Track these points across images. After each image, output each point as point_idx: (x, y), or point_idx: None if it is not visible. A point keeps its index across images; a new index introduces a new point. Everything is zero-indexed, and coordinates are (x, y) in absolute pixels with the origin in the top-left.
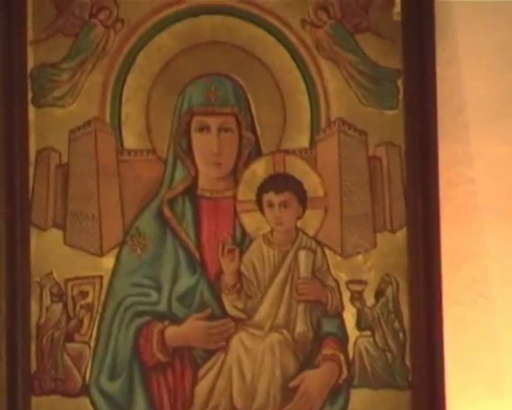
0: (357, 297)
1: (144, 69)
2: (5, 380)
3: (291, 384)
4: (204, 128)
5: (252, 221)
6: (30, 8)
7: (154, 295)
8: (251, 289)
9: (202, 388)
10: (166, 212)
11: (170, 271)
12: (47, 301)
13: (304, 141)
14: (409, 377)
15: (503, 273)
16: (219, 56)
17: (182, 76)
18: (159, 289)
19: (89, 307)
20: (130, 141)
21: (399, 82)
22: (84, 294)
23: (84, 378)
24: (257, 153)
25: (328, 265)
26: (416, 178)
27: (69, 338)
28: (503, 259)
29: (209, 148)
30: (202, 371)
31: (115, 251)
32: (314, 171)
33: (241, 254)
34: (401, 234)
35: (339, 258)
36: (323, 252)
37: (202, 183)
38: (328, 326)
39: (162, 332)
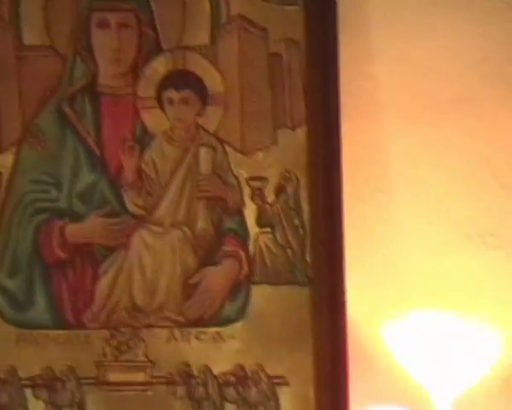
0: (257, 194)
1: None
2: None
3: (191, 281)
4: (103, 24)
5: (152, 118)
6: None
7: (54, 192)
8: (151, 186)
9: (103, 285)
10: (66, 109)
11: (70, 168)
12: None
13: (204, 37)
14: (309, 273)
15: (402, 169)
16: None
17: None
18: (59, 185)
19: None
20: (29, 37)
21: None
22: None
23: None
24: (157, 50)
25: (228, 161)
26: (315, 75)
27: None
28: (403, 155)
29: (108, 44)
30: (103, 268)
31: (14, 148)
32: (214, 67)
33: (142, 150)
34: (301, 130)
35: (239, 155)
36: (224, 149)
37: (102, 79)
38: (229, 223)
39: (62, 229)
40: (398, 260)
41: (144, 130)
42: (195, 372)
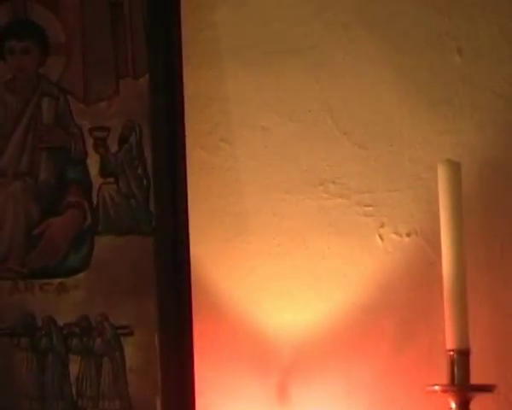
0: (100, 144)
1: None
2: None
3: (35, 232)
4: None
5: None
6: None
7: None
8: None
9: None
10: None
11: None
12: None
13: None
14: (152, 222)
15: (245, 118)
16: None
17: None
18: None
19: None
20: None
21: None
22: None
23: None
24: None
25: (71, 112)
26: (158, 24)
27: None
28: (245, 104)
29: None
30: None
31: None
32: (56, 17)
33: None
34: (144, 80)
35: (82, 105)
36: (66, 99)
37: None
38: (72, 173)
39: None
40: (241, 207)
41: None
42: (40, 324)
